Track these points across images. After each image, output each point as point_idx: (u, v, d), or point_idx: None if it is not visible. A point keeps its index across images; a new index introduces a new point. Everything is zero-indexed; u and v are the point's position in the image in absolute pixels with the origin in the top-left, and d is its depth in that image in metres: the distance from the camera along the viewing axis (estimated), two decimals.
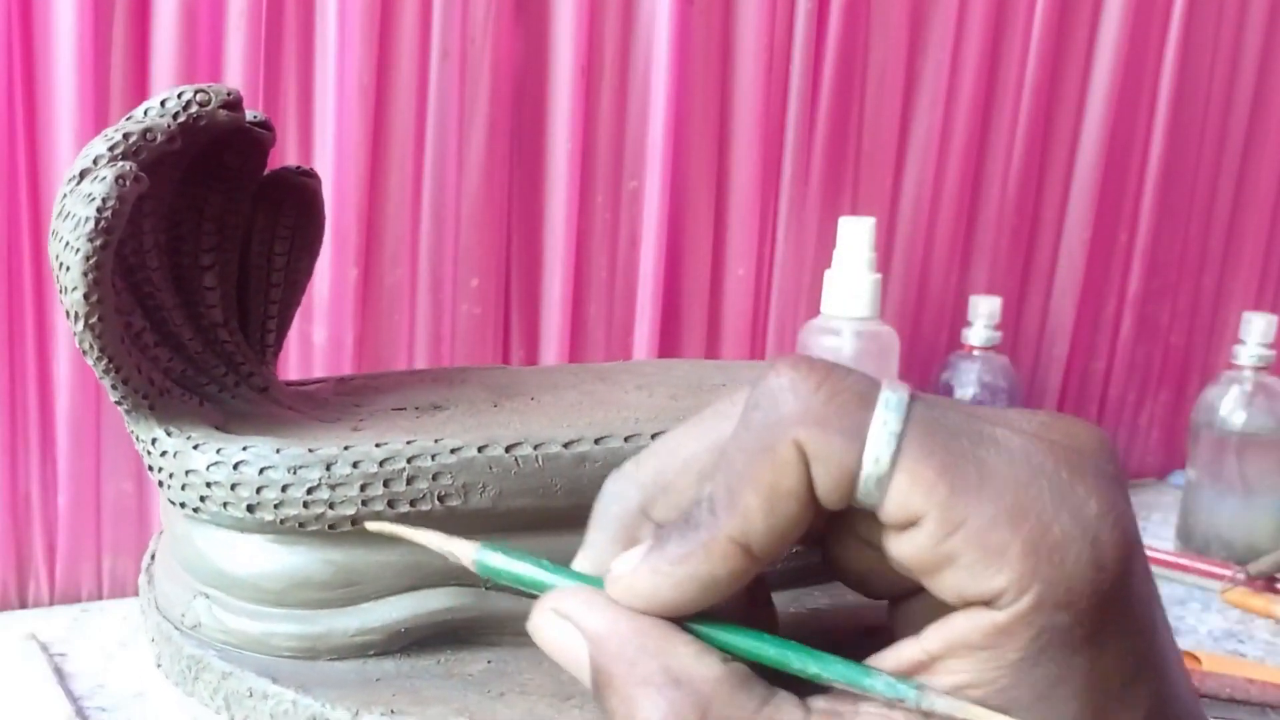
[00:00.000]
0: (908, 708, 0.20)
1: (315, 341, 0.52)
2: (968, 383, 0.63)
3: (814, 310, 0.60)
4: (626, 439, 0.28)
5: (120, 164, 0.24)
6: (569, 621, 0.21)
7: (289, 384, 0.34)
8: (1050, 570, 0.19)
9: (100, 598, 0.51)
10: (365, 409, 0.31)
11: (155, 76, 0.47)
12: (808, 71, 0.59)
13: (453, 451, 0.27)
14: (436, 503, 0.26)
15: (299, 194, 0.30)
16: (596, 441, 0.28)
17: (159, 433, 0.28)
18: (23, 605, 0.50)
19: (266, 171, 0.30)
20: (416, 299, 0.54)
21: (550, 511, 0.28)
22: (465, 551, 0.23)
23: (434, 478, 0.26)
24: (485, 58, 0.52)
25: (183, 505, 0.27)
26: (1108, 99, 0.67)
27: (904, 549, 0.20)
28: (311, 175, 0.31)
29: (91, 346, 0.25)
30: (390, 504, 0.26)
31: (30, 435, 0.48)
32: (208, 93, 0.26)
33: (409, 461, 0.26)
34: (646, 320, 0.58)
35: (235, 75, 0.48)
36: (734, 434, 0.20)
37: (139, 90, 0.47)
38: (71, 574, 0.50)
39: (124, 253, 0.27)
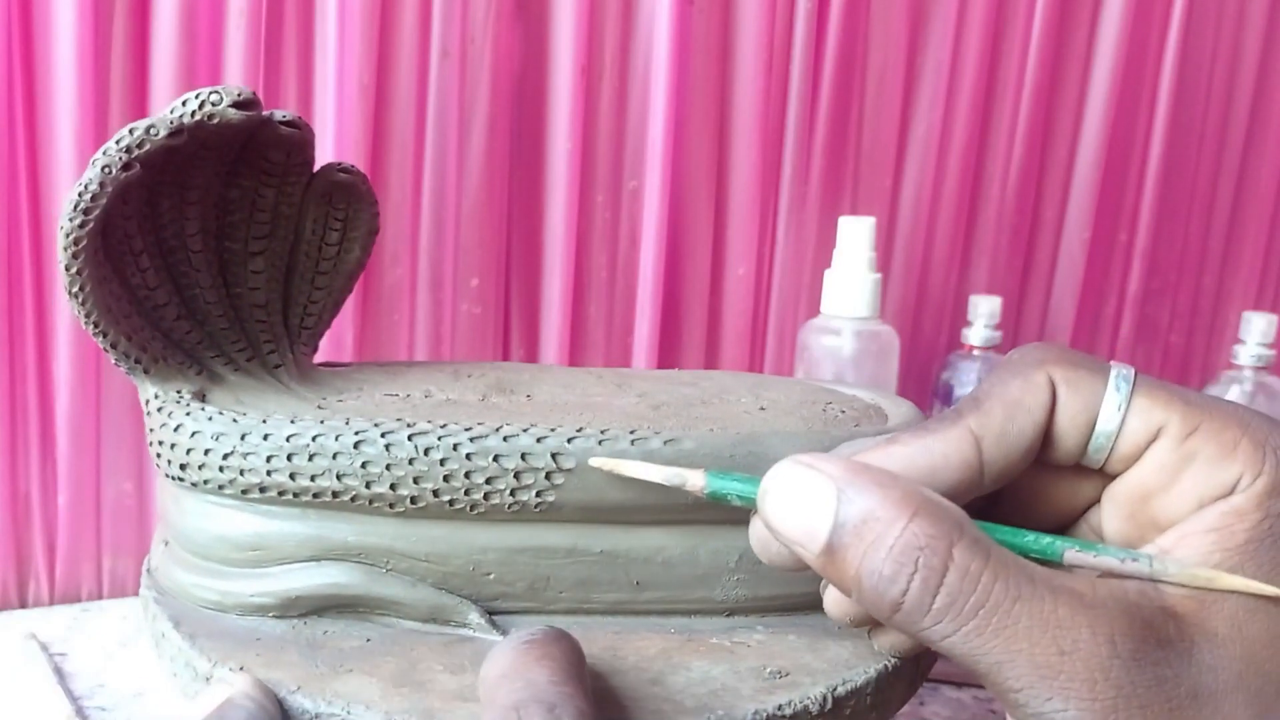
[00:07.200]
0: (1139, 571, 0.22)
1: None
2: (968, 383, 0.63)
3: (814, 310, 0.60)
4: (571, 440, 0.28)
5: (111, 154, 0.27)
6: (815, 470, 0.22)
7: (322, 365, 0.35)
8: (1275, 463, 0.22)
9: (100, 598, 0.51)
10: (365, 392, 0.32)
11: (155, 76, 0.47)
12: (808, 71, 0.59)
13: (356, 433, 0.28)
14: (335, 480, 0.28)
15: (344, 189, 0.32)
16: (505, 439, 0.28)
17: (151, 393, 0.30)
18: (23, 605, 0.50)
19: (316, 168, 0.32)
20: (416, 298, 0.54)
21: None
22: (694, 477, 0.26)
23: (334, 457, 0.28)
24: (485, 58, 0.52)
25: (156, 458, 0.30)
26: (1108, 99, 0.67)
27: (1144, 469, 0.23)
28: (351, 171, 0.32)
29: (79, 313, 0.28)
30: (292, 477, 0.28)
31: (30, 435, 0.48)
32: (220, 93, 0.28)
33: (313, 439, 0.28)
34: (646, 320, 0.58)
35: (235, 75, 0.48)
36: (993, 371, 0.25)
37: (139, 90, 0.47)
38: (71, 574, 0.50)
39: (164, 236, 0.30)
